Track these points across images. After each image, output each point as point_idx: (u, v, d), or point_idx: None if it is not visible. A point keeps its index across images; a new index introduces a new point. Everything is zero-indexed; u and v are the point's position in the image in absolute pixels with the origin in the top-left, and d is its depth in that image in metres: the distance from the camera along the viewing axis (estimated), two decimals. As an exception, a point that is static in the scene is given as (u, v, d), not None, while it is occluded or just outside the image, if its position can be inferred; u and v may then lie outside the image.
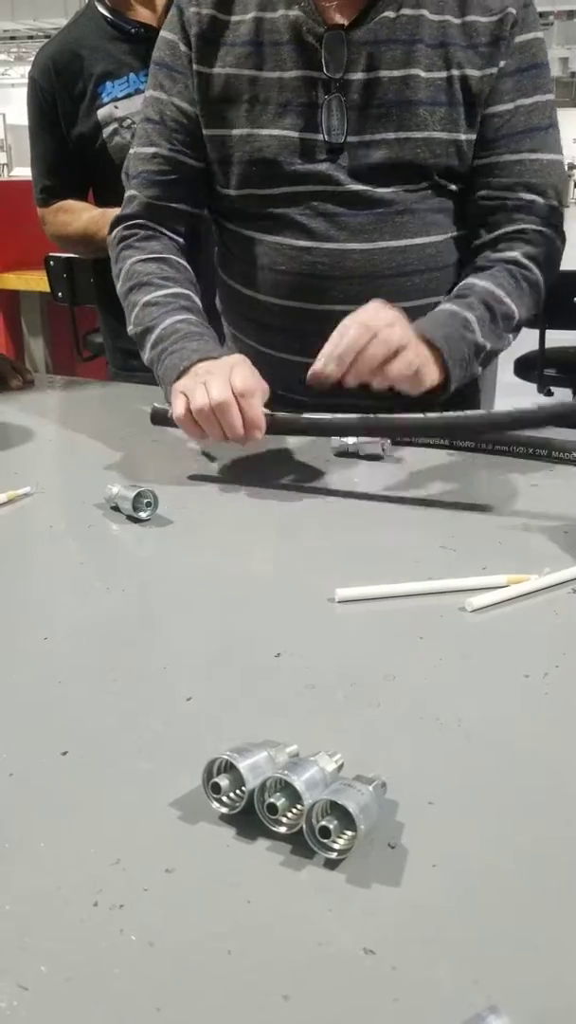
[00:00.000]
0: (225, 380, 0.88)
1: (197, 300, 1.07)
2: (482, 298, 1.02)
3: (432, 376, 0.95)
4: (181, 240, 1.13)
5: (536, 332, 3.02)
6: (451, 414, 0.91)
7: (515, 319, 1.04)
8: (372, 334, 0.88)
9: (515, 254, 1.05)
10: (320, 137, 1.04)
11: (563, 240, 1.10)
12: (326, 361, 0.89)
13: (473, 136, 1.04)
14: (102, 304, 1.76)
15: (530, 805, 0.47)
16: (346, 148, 1.04)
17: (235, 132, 1.06)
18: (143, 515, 0.83)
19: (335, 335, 0.90)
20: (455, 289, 1.06)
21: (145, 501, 0.84)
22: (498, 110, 1.04)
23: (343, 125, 1.03)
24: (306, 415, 0.94)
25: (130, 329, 1.07)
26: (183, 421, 0.90)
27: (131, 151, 1.14)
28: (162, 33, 1.10)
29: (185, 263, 1.11)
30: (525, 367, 3.23)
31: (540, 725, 0.54)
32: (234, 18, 1.05)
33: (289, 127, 1.04)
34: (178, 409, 0.90)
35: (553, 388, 3.18)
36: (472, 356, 1.00)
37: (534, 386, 3.18)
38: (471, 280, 1.05)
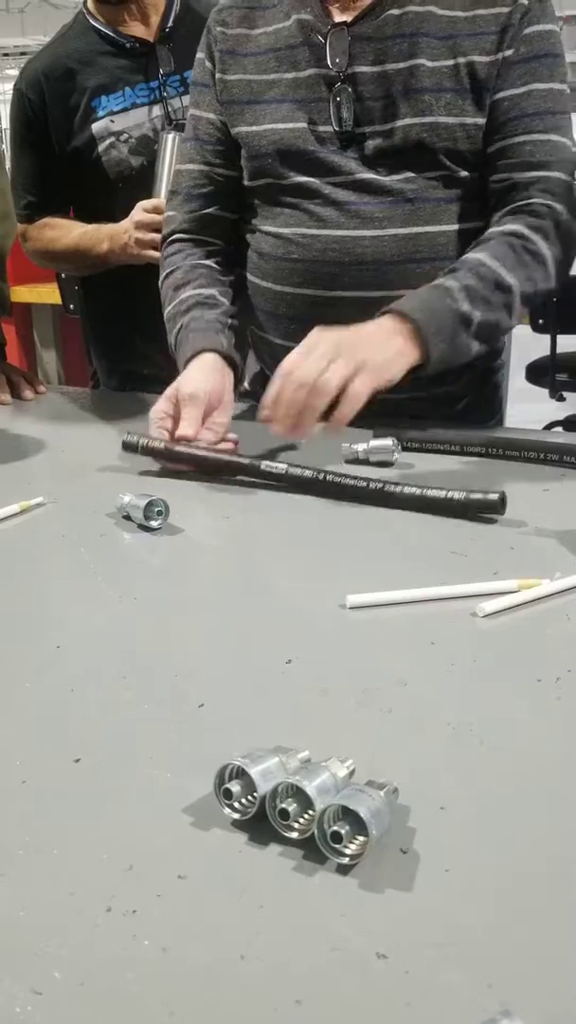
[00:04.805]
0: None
1: (220, 296, 1.14)
2: (470, 268, 1.00)
3: (408, 357, 0.94)
4: (222, 243, 1.20)
5: (547, 337, 3.01)
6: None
7: (512, 290, 1.00)
8: (307, 388, 0.88)
9: (516, 227, 1.03)
10: (331, 128, 1.07)
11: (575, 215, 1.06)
12: (269, 412, 0.91)
13: (481, 120, 1.04)
14: (92, 326, 1.71)
15: (542, 809, 0.47)
16: (356, 138, 1.07)
17: (253, 128, 1.12)
18: (155, 524, 0.84)
19: (274, 381, 0.91)
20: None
21: (156, 510, 0.84)
22: (509, 94, 1.04)
23: (352, 115, 1.06)
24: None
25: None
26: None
27: (175, 167, 1.23)
28: (196, 55, 1.18)
29: (219, 266, 1.19)
30: (537, 373, 3.22)
31: (552, 729, 0.53)
32: (255, 31, 1.12)
33: (302, 120, 1.08)
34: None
35: (565, 394, 3.17)
36: (458, 326, 0.98)
37: (546, 391, 3.17)
38: (465, 255, 1.04)
